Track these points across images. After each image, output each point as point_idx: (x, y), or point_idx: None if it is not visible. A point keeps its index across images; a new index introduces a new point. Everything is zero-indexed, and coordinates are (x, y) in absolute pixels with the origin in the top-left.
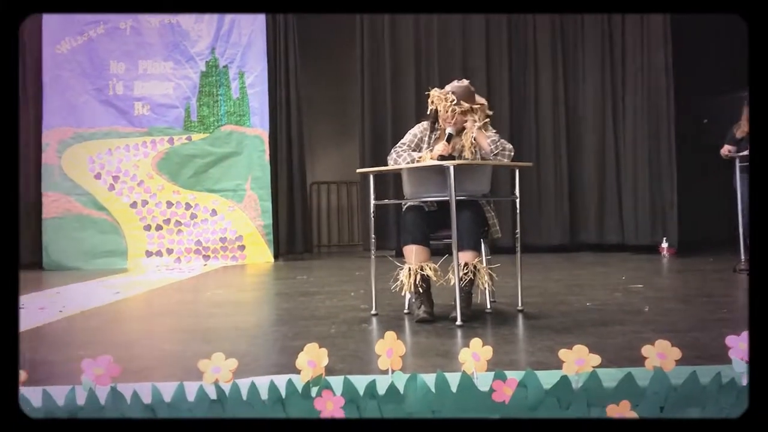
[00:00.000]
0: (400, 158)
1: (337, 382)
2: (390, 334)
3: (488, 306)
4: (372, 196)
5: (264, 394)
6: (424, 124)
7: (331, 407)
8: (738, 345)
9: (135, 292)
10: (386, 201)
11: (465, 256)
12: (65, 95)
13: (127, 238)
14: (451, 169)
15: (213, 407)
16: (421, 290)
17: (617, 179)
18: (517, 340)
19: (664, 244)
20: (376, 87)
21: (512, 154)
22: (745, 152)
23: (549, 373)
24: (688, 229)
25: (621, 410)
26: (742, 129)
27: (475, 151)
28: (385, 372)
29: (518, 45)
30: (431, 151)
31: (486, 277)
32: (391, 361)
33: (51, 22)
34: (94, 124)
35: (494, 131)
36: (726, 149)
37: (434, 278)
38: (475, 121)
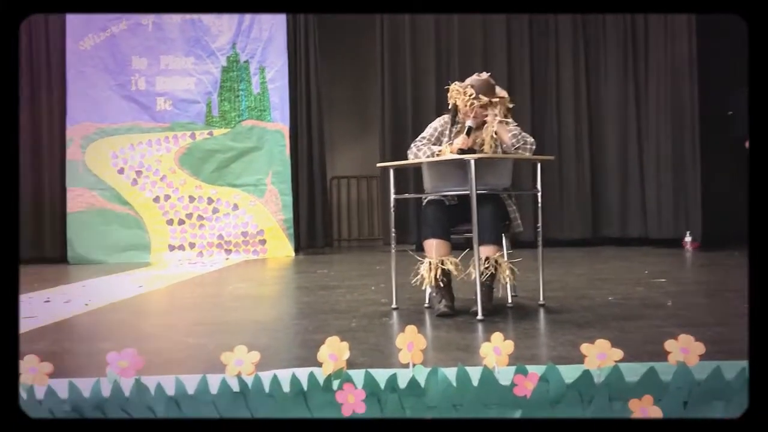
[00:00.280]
0: (420, 152)
1: (358, 375)
2: (411, 328)
3: (509, 300)
4: (392, 191)
5: (286, 387)
6: (445, 118)
7: (352, 400)
8: None
9: (158, 285)
10: (406, 195)
11: (486, 251)
12: (88, 91)
13: (150, 232)
14: (472, 162)
15: (236, 400)
16: (441, 284)
17: (640, 172)
18: (538, 335)
19: (688, 238)
20: (397, 80)
21: (534, 147)
22: None
23: (571, 367)
24: (712, 222)
25: (644, 404)
26: None
27: (496, 144)
28: (406, 366)
29: (540, 38)
30: (451, 144)
31: (507, 272)
32: (412, 355)
33: (74, 19)
34: (117, 120)
35: (515, 124)
36: None
37: (455, 272)
38: (495, 115)
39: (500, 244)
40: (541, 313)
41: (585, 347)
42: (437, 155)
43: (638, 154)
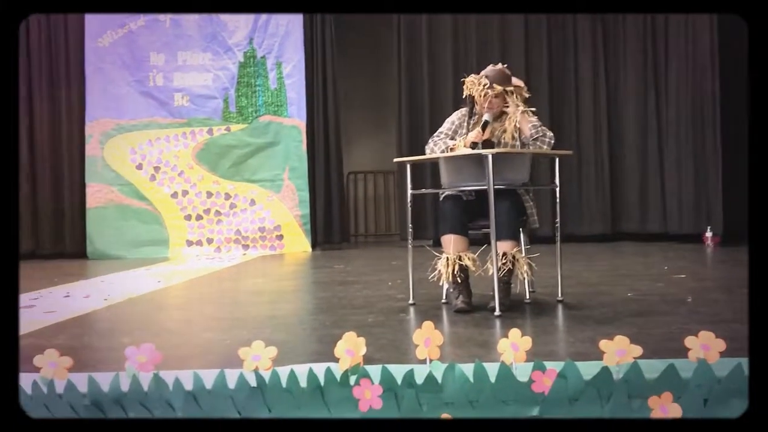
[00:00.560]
0: (436, 147)
1: (375, 371)
2: (428, 324)
3: (527, 296)
4: (409, 186)
5: (303, 382)
6: (463, 111)
7: (369, 396)
8: None
9: (176, 280)
10: (423, 190)
11: (503, 246)
12: (107, 87)
13: (168, 227)
14: (489, 157)
15: (253, 394)
16: (459, 280)
17: (660, 166)
18: (556, 331)
19: (708, 233)
20: (414, 75)
21: (553, 141)
22: None
23: (589, 364)
24: (733, 217)
25: (663, 402)
26: None
27: (517, 137)
28: (423, 362)
29: (558, 30)
30: (465, 137)
31: (525, 267)
32: (429, 351)
33: (92, 16)
34: (135, 116)
35: (535, 117)
36: None
37: (472, 268)
38: (517, 105)
39: (518, 240)
40: (560, 309)
41: (604, 344)
42: (451, 150)
43: (658, 148)
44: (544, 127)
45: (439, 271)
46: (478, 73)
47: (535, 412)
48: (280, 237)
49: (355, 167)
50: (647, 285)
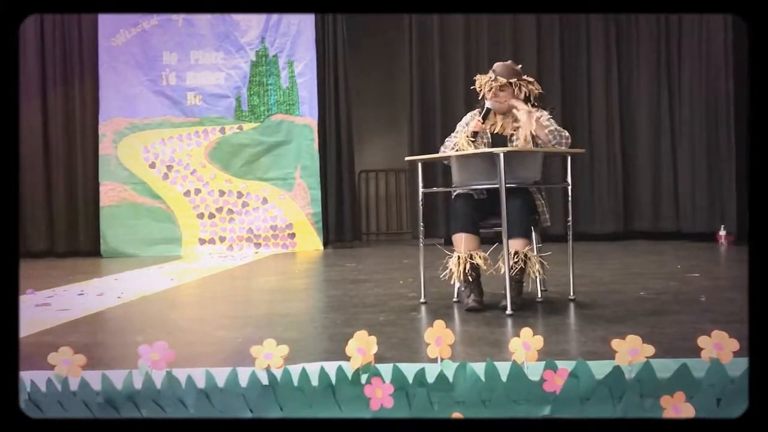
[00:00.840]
0: (447, 150)
1: (386, 369)
2: (439, 323)
3: (539, 295)
4: (420, 184)
5: (314, 381)
6: (474, 112)
7: (380, 394)
8: None
9: (189, 279)
10: (435, 189)
11: (515, 244)
12: (120, 87)
13: (181, 226)
14: (501, 156)
15: (265, 393)
16: (470, 279)
17: (673, 164)
18: (568, 330)
19: (722, 232)
20: (425, 73)
21: (569, 141)
22: None
23: (601, 363)
24: (747, 216)
25: (676, 401)
26: None
27: (530, 138)
28: (434, 360)
29: (570, 30)
30: (466, 130)
31: (537, 266)
32: (440, 350)
33: (106, 15)
34: (148, 115)
35: (549, 117)
36: None
37: (484, 267)
38: (529, 111)
39: (530, 238)
40: (572, 307)
41: (616, 343)
42: (456, 146)
43: (671, 146)
44: (558, 129)
45: (451, 269)
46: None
47: (546, 411)
48: (292, 235)
49: (366, 166)
50: (660, 284)
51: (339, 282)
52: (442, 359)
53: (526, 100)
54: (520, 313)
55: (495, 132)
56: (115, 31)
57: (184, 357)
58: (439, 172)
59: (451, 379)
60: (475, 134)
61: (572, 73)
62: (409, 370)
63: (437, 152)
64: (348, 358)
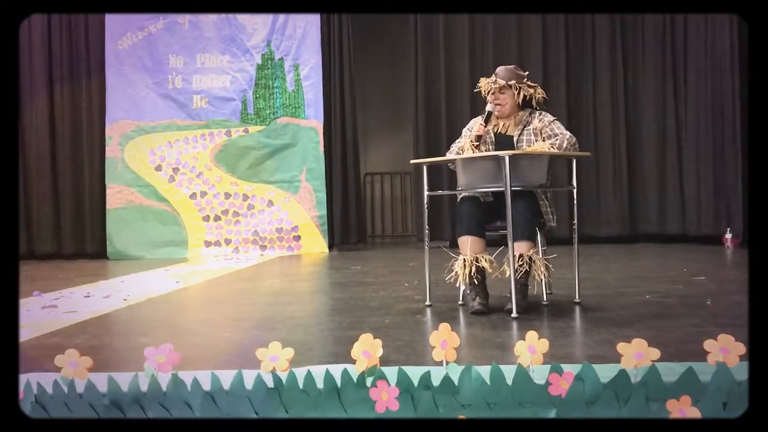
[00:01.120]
0: (453, 154)
1: (391, 372)
2: (444, 326)
3: (545, 298)
4: (425, 187)
5: (320, 383)
6: (479, 117)
7: (385, 397)
8: None
9: (195, 281)
10: (440, 192)
11: (520, 247)
12: (126, 90)
13: (186, 228)
14: (506, 159)
15: (270, 395)
16: (476, 282)
17: (679, 167)
18: (573, 333)
19: (728, 235)
20: (431, 78)
21: (577, 145)
22: None
23: (607, 366)
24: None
25: (681, 405)
26: None
27: (533, 140)
28: (440, 363)
29: (575, 31)
30: (470, 134)
31: (542, 269)
32: (446, 353)
33: (113, 19)
34: (155, 118)
35: (553, 119)
36: None
37: (489, 270)
38: (543, 139)
39: (535, 241)
40: (577, 311)
41: (622, 346)
42: (460, 150)
43: (677, 149)
44: (566, 137)
45: (456, 272)
46: None
47: (552, 414)
48: (298, 238)
49: (372, 168)
50: (666, 287)
51: (344, 285)
52: (447, 362)
53: (528, 104)
54: (526, 316)
55: (498, 132)
56: (122, 35)
57: (189, 359)
58: (444, 174)
59: (456, 383)
60: (478, 138)
61: (578, 76)
62: (415, 373)
63: (442, 155)
64: (353, 361)
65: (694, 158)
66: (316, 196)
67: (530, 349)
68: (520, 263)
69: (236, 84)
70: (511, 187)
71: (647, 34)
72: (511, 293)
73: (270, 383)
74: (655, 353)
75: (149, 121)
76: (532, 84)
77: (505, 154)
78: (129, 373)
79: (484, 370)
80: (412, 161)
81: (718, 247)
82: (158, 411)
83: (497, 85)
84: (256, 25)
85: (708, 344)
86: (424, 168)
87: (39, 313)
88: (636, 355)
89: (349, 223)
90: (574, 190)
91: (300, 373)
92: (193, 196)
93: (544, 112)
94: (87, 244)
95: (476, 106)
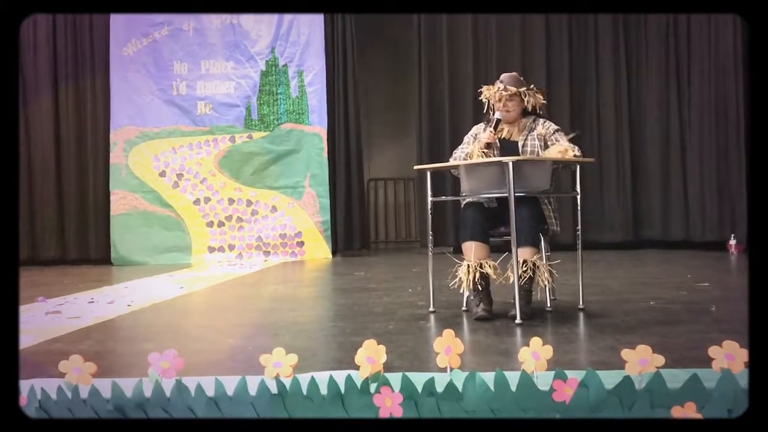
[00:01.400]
0: (455, 160)
1: (395, 378)
2: (448, 332)
3: (548, 304)
4: (429, 193)
5: (323, 389)
6: (481, 124)
7: (389, 404)
8: None
9: (198, 287)
10: (443, 198)
11: (524, 253)
12: (131, 96)
13: (190, 234)
14: (510, 165)
15: (274, 401)
16: (479, 288)
17: (683, 169)
18: (578, 339)
19: (732, 241)
20: (434, 83)
21: (580, 154)
22: None
23: (611, 373)
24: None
25: (686, 412)
26: None
27: (537, 146)
28: (444, 370)
29: (579, 35)
30: (479, 141)
31: (546, 275)
32: (450, 359)
33: (117, 25)
34: (159, 124)
35: (557, 128)
36: None
37: (493, 276)
38: (564, 151)
39: (539, 247)
40: (581, 317)
41: (626, 352)
42: (469, 156)
43: (680, 154)
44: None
45: (460, 278)
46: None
47: None
48: (301, 243)
49: (375, 174)
50: (670, 293)
51: (348, 290)
52: (451, 368)
53: (533, 110)
54: (530, 323)
55: (503, 138)
56: (127, 41)
57: (193, 365)
58: (448, 180)
59: (460, 389)
60: (488, 146)
61: (581, 81)
62: (419, 379)
63: (446, 161)
64: (357, 367)
65: (697, 160)
66: (320, 201)
67: (534, 355)
68: (524, 269)
69: (240, 90)
70: (515, 192)
71: (650, 35)
72: (515, 299)
73: (274, 389)
74: (660, 360)
75: (153, 127)
76: (538, 91)
77: (509, 160)
78: (133, 379)
79: (488, 377)
80: (415, 167)
81: (723, 253)
82: (162, 417)
83: (508, 93)
84: (260, 31)
85: (713, 351)
86: (428, 174)
87: (43, 319)
88: (640, 361)
89: (352, 229)
90: (578, 196)
91: (304, 379)
92: (197, 201)
93: (547, 120)
94: (91, 249)
95: (479, 112)
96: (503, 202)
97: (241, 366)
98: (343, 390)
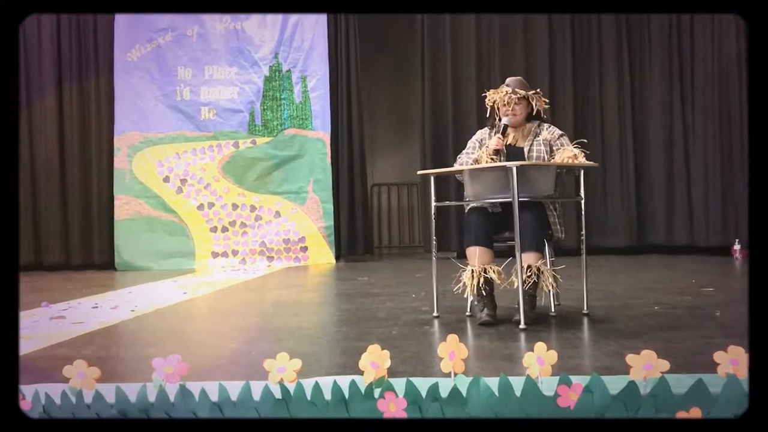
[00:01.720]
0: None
1: (399, 384)
2: (452, 337)
3: (553, 309)
4: (433, 198)
5: (327, 395)
6: (484, 130)
7: (393, 409)
8: None
9: (202, 292)
10: (447, 203)
11: (528, 258)
12: (135, 101)
13: (194, 239)
14: (514, 170)
15: (278, 406)
16: (483, 293)
17: (686, 172)
18: (582, 345)
19: (737, 246)
20: (437, 88)
21: (584, 159)
22: None
23: (616, 378)
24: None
25: (691, 417)
26: None
27: (542, 151)
28: (448, 375)
29: (582, 39)
30: (487, 147)
31: (550, 280)
32: (454, 364)
33: (121, 31)
34: (163, 129)
35: (561, 133)
36: None
37: (497, 281)
38: (574, 157)
39: (542, 252)
40: (585, 322)
41: (630, 358)
42: (476, 161)
43: (684, 159)
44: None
45: (464, 283)
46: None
47: None
48: (305, 249)
49: (378, 179)
50: (674, 298)
51: (351, 296)
52: (455, 374)
53: (537, 114)
54: (534, 328)
55: (508, 143)
56: (131, 47)
57: (197, 370)
58: (451, 185)
59: (464, 394)
60: (497, 152)
61: (584, 86)
62: (423, 384)
63: (449, 166)
64: (361, 372)
65: (701, 164)
66: (323, 207)
67: (539, 360)
68: (528, 274)
69: (244, 96)
70: (519, 197)
71: (654, 39)
72: (519, 304)
73: (278, 394)
74: (665, 365)
75: (157, 132)
76: (542, 96)
77: (513, 164)
78: (137, 384)
79: (493, 382)
80: (419, 172)
81: (727, 258)
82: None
83: (517, 95)
84: (263, 37)
85: (718, 356)
86: (432, 179)
87: (47, 324)
88: (645, 366)
89: (356, 234)
90: (582, 201)
91: (308, 384)
92: (200, 207)
93: (551, 125)
94: (95, 254)
95: (483, 115)
96: (507, 207)
97: (245, 371)
98: (347, 395)
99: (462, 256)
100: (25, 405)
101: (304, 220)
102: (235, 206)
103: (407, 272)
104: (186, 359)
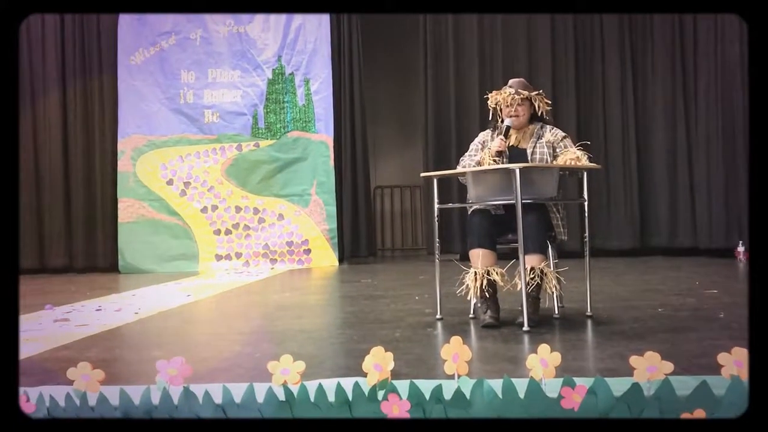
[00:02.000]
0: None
1: (403, 386)
2: (456, 339)
3: (556, 311)
4: (436, 200)
5: (331, 397)
6: (488, 131)
7: (397, 411)
8: None
9: (206, 294)
10: (450, 205)
11: (531, 260)
12: (139, 104)
13: (198, 242)
14: (517, 172)
15: (281, 408)
16: (487, 295)
17: (690, 179)
18: (586, 347)
19: (741, 248)
20: (440, 91)
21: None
22: None
23: (619, 380)
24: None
25: (696, 418)
26: None
27: (546, 152)
28: (451, 377)
29: (585, 41)
30: (490, 149)
31: (553, 282)
32: (457, 366)
33: (125, 34)
34: (166, 132)
35: (564, 135)
36: None
37: (500, 283)
38: (577, 159)
39: (546, 254)
40: (589, 324)
41: (634, 359)
42: (479, 163)
43: (688, 160)
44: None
45: (467, 285)
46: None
47: None
48: (308, 251)
49: (381, 182)
50: (678, 300)
51: (355, 298)
52: (459, 376)
53: (539, 116)
54: (537, 330)
55: (511, 145)
56: (134, 50)
57: (201, 372)
58: (454, 187)
59: (468, 396)
60: (499, 154)
61: (587, 88)
62: (426, 386)
63: (452, 168)
64: (365, 375)
65: (705, 166)
66: (327, 209)
67: (542, 362)
68: (532, 276)
69: (247, 99)
70: (522, 199)
71: (657, 42)
72: (522, 306)
73: (281, 396)
74: (669, 366)
75: (161, 135)
76: (545, 97)
77: (516, 166)
78: (141, 386)
79: (496, 384)
80: (422, 174)
81: (731, 260)
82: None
83: (520, 96)
84: (266, 40)
85: (722, 357)
86: (435, 181)
87: (51, 327)
88: (649, 368)
89: (359, 237)
90: (585, 203)
91: (311, 386)
92: (204, 209)
93: (554, 127)
94: (99, 257)
95: (486, 118)
96: (510, 209)
97: (249, 373)
98: (350, 397)
99: (465, 259)
100: (29, 407)
101: (307, 223)
102: (238, 209)
103: (410, 274)
104: (189, 361)
